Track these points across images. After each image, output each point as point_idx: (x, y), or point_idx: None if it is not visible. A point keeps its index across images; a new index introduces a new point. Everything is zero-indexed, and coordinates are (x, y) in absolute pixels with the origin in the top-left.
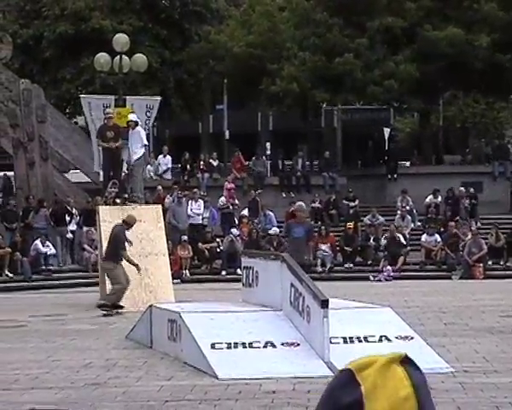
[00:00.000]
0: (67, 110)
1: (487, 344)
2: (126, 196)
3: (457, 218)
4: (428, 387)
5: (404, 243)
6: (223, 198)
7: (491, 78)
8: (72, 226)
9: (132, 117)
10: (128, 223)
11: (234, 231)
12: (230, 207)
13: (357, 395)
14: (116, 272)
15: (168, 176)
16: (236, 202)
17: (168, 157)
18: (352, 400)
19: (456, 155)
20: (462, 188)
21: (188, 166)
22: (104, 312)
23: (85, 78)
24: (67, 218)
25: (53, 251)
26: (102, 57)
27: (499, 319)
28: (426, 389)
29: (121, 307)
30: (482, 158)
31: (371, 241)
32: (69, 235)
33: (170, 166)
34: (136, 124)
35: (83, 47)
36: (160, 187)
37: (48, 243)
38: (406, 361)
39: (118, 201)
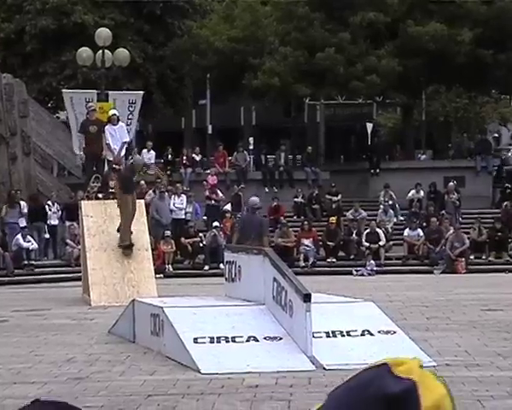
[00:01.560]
0: (49, 105)
1: (469, 338)
2: (112, 190)
3: (443, 212)
4: None
5: (383, 237)
6: (206, 193)
7: (473, 72)
8: (54, 221)
9: (115, 112)
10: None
11: (215, 223)
12: (213, 202)
13: (410, 384)
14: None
15: (151, 171)
16: (220, 195)
17: (152, 152)
18: (403, 389)
19: (437, 149)
20: (451, 183)
21: (170, 162)
22: None
23: (67, 72)
24: (49, 213)
25: (35, 246)
26: (85, 52)
27: (481, 313)
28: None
29: None
30: (464, 153)
31: (354, 235)
32: (46, 235)
33: (153, 161)
34: (118, 119)
35: (65, 41)
36: (142, 182)
37: (29, 237)
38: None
39: (100, 196)
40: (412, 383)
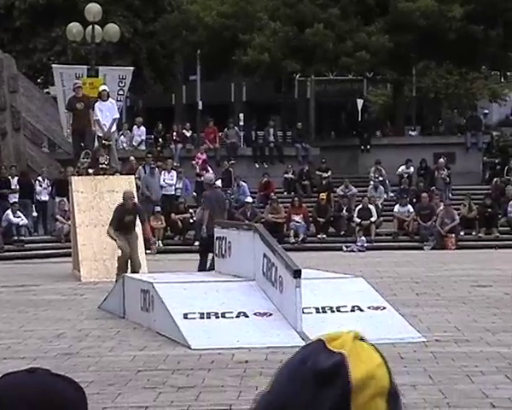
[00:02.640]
0: (39, 80)
1: (459, 314)
2: (102, 166)
3: (433, 188)
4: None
5: (375, 213)
6: (196, 169)
7: (464, 49)
8: (44, 197)
9: (105, 87)
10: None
11: None
12: (202, 178)
13: (339, 358)
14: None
15: (143, 147)
16: (210, 171)
17: (142, 128)
18: (332, 364)
19: (427, 125)
20: (441, 159)
21: (160, 138)
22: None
23: (57, 48)
24: (39, 188)
25: (25, 222)
26: (75, 27)
27: (471, 289)
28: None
29: None
30: (455, 129)
31: (344, 212)
32: (34, 213)
33: (144, 137)
34: (108, 95)
35: (55, 17)
36: (132, 158)
37: (19, 213)
38: (364, 339)
39: (90, 171)
40: (342, 356)
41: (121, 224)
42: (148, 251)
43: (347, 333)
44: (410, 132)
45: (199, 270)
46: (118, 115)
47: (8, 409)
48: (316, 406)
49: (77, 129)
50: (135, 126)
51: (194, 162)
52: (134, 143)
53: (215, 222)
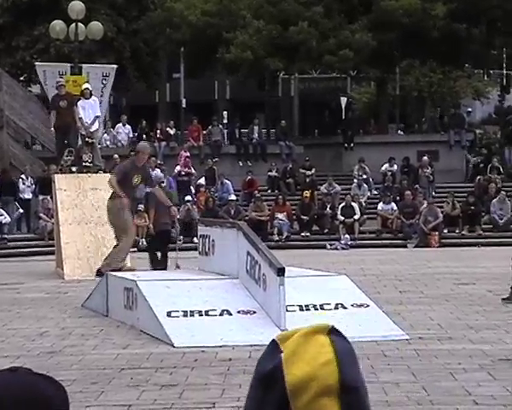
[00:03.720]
0: (22, 78)
1: (442, 311)
2: (86, 164)
3: (416, 186)
4: (355, 355)
5: (358, 211)
6: (178, 166)
7: (447, 47)
8: (28, 195)
9: (88, 86)
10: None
11: (188, 198)
12: (186, 176)
13: (277, 361)
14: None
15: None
16: (193, 170)
17: (127, 126)
18: (273, 366)
19: (411, 123)
20: (424, 157)
21: (144, 135)
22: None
23: (40, 46)
24: (22, 186)
25: (7, 219)
26: (58, 25)
27: (454, 287)
28: (351, 357)
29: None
30: (438, 127)
31: (328, 209)
32: (18, 210)
33: (131, 135)
34: (91, 93)
35: (38, 15)
36: (116, 155)
37: (1, 211)
38: (332, 332)
39: (73, 169)
40: (279, 359)
41: (126, 186)
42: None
43: (305, 328)
44: (399, 132)
45: (153, 268)
46: (99, 113)
47: None
48: (261, 409)
49: (60, 127)
50: (120, 124)
51: (180, 153)
52: (120, 140)
53: (162, 221)
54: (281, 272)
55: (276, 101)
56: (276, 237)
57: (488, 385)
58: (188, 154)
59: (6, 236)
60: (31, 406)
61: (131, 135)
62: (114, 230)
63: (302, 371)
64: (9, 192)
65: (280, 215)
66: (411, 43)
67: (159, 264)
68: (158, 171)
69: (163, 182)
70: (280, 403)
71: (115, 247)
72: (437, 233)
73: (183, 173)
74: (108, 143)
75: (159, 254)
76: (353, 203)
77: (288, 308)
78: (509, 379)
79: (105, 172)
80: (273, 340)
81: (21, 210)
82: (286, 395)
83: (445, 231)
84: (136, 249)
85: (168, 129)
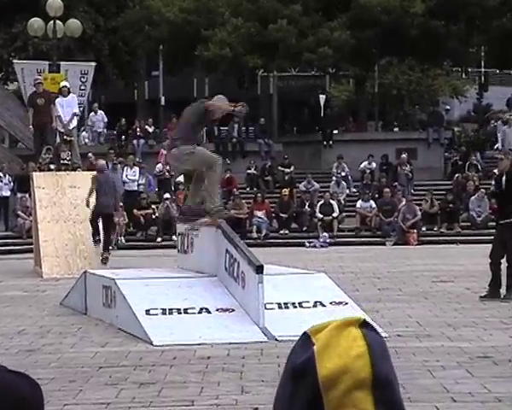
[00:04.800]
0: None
1: (420, 309)
2: (64, 162)
3: (395, 184)
4: (386, 348)
5: (337, 209)
6: (159, 165)
7: (426, 44)
8: (6, 193)
9: (66, 83)
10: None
11: (166, 195)
12: (166, 174)
13: (310, 353)
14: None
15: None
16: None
17: (100, 113)
18: (306, 358)
19: (389, 121)
20: (403, 155)
21: (123, 135)
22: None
23: (18, 44)
24: (0, 184)
25: None
26: (36, 22)
27: (432, 285)
28: (382, 350)
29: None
30: (416, 125)
31: (306, 207)
32: None
33: (106, 120)
34: (69, 91)
35: (16, 12)
36: (90, 154)
37: None
38: (364, 325)
39: (52, 167)
40: (312, 351)
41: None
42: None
43: (335, 321)
44: (377, 128)
45: (94, 240)
46: (78, 110)
47: None
48: (293, 402)
49: (38, 125)
50: (92, 113)
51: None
52: (97, 129)
53: (104, 203)
54: (259, 269)
55: (254, 99)
56: (254, 235)
57: (466, 382)
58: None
59: None
60: (6, 405)
61: (106, 120)
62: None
63: (335, 364)
64: None
65: (259, 213)
66: (390, 41)
67: (99, 241)
68: (102, 161)
69: (106, 168)
70: (312, 396)
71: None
72: (415, 231)
73: (165, 172)
74: (87, 140)
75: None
76: (332, 201)
77: (267, 306)
78: (487, 376)
79: (83, 170)
80: (305, 332)
81: None
82: (318, 388)
83: (424, 228)
84: (115, 247)
85: (147, 126)
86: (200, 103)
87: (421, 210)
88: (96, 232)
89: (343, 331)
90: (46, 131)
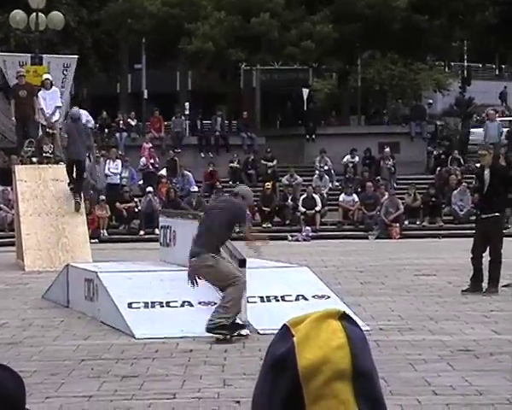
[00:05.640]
0: None
1: (402, 303)
2: (46, 154)
3: (378, 178)
4: (367, 342)
5: (320, 203)
6: (143, 159)
7: (409, 39)
8: None
9: (48, 76)
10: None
11: (149, 188)
12: (151, 167)
13: (290, 345)
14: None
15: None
16: (157, 160)
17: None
18: (285, 350)
19: (372, 115)
20: (386, 149)
21: (106, 128)
22: (220, 336)
23: (0, 36)
24: None
25: None
26: (18, 14)
27: (414, 278)
28: (362, 343)
29: (243, 328)
30: (399, 119)
31: (289, 201)
32: None
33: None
34: (52, 84)
35: None
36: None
37: None
38: (344, 317)
39: (34, 160)
40: (292, 342)
41: None
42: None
43: (315, 313)
44: (374, 126)
45: (70, 188)
46: (60, 103)
47: None
48: (273, 394)
49: (20, 117)
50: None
51: (143, 145)
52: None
53: (75, 150)
54: (242, 263)
55: (237, 92)
56: (237, 229)
57: (448, 375)
58: (150, 145)
59: None
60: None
61: (91, 123)
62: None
63: (314, 354)
64: None
65: None
66: (373, 35)
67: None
68: (75, 109)
69: (79, 117)
70: (292, 387)
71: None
72: (398, 225)
73: (148, 165)
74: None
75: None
76: (315, 195)
77: (249, 300)
78: (468, 370)
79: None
80: (284, 324)
81: None
82: (298, 379)
83: (406, 222)
84: (97, 241)
85: (129, 120)
86: (243, 205)
87: (403, 204)
88: (71, 180)
89: (323, 323)
90: (28, 123)
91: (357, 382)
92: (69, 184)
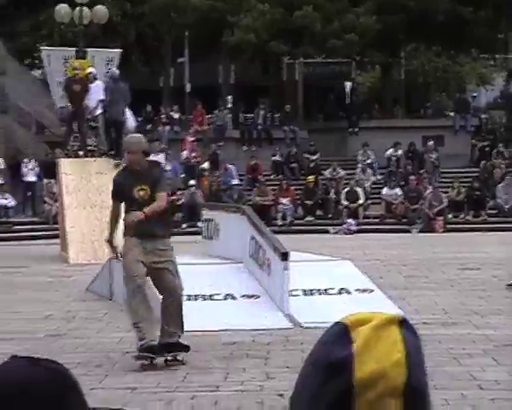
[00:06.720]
0: (26, 63)
1: (446, 297)
2: (91, 148)
3: (421, 171)
4: (422, 353)
5: (362, 196)
6: (185, 152)
7: (453, 31)
8: (32, 178)
9: (92, 70)
10: None
11: (191, 182)
12: (193, 161)
13: (348, 352)
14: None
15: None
16: (199, 154)
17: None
18: (343, 356)
19: (416, 108)
20: (430, 142)
21: (149, 122)
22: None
23: (44, 31)
24: (25, 170)
25: (12, 203)
26: (63, 9)
27: (458, 272)
28: (419, 356)
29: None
30: (443, 112)
31: (332, 194)
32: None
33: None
34: (96, 78)
35: None
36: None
37: (7, 195)
38: (404, 324)
39: (80, 153)
40: (351, 350)
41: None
42: None
43: (377, 318)
44: (418, 120)
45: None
46: (103, 97)
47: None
48: (321, 396)
49: (72, 111)
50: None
51: (186, 138)
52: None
53: (116, 111)
54: (285, 256)
55: (280, 85)
56: (279, 222)
57: (493, 370)
58: (193, 138)
59: (11, 219)
60: (22, 393)
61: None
62: None
63: (372, 368)
64: (16, 176)
65: (284, 200)
66: (416, 27)
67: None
68: (115, 70)
69: (119, 77)
70: (343, 394)
71: None
72: (441, 218)
73: (191, 158)
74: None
75: None
76: (357, 188)
77: (292, 293)
78: None
79: (109, 156)
80: (343, 323)
81: (29, 193)
82: (351, 389)
83: (450, 216)
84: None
85: (172, 113)
86: None
87: (447, 198)
88: (111, 143)
89: (383, 332)
90: (79, 117)
91: (409, 399)
92: (109, 151)
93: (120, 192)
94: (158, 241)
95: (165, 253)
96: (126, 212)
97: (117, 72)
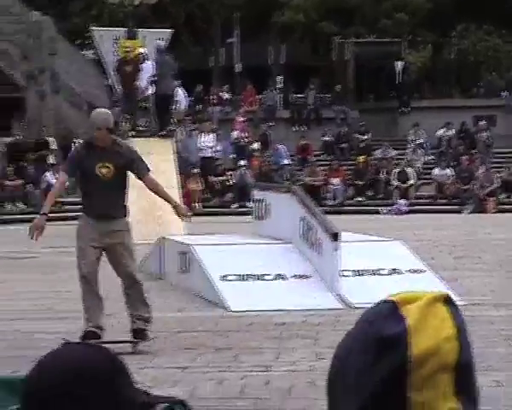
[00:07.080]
0: (77, 43)
1: (498, 278)
2: (141, 128)
3: (473, 151)
4: (467, 330)
5: (413, 176)
6: (235, 132)
7: (503, 10)
8: None
9: (142, 50)
10: None
11: (241, 162)
12: (242, 141)
13: (402, 328)
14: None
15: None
16: (250, 134)
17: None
18: (396, 333)
19: (467, 88)
20: (482, 122)
21: (199, 102)
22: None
23: (94, 12)
24: None
25: None
26: None
27: (510, 253)
28: (466, 332)
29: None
30: (495, 91)
31: (382, 174)
32: None
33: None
34: (146, 58)
35: None
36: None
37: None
38: (449, 302)
39: (131, 134)
40: (405, 326)
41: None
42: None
43: (425, 296)
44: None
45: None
46: (154, 78)
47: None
48: (372, 371)
49: (124, 92)
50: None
51: (236, 118)
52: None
53: (165, 85)
54: (335, 237)
55: (330, 65)
56: (329, 202)
57: None
58: (243, 119)
59: (62, 199)
60: (77, 376)
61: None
62: None
63: (426, 344)
64: (67, 156)
65: (334, 180)
66: (467, 6)
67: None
68: (160, 41)
69: (164, 50)
70: (397, 370)
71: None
72: (493, 199)
73: (241, 139)
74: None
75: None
76: (408, 168)
77: (343, 273)
78: None
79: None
80: (391, 301)
81: None
82: (405, 365)
83: (502, 196)
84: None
85: (222, 94)
86: None
87: (500, 178)
88: (161, 122)
89: (432, 309)
90: (131, 97)
91: (459, 374)
92: (160, 131)
93: (80, 168)
94: (113, 221)
95: (120, 234)
96: (83, 189)
97: (162, 43)
